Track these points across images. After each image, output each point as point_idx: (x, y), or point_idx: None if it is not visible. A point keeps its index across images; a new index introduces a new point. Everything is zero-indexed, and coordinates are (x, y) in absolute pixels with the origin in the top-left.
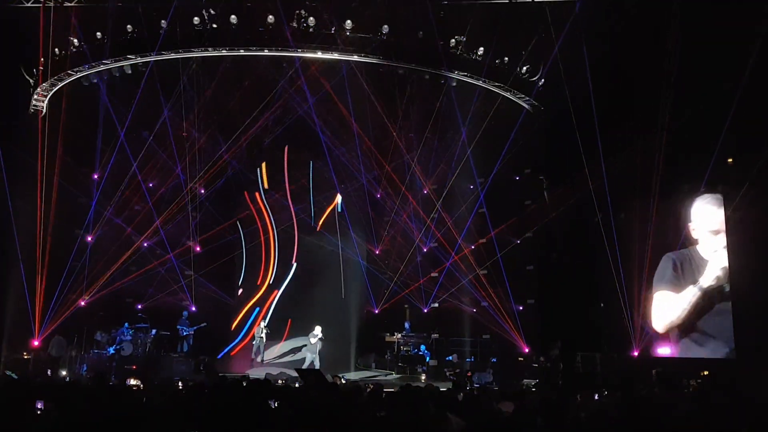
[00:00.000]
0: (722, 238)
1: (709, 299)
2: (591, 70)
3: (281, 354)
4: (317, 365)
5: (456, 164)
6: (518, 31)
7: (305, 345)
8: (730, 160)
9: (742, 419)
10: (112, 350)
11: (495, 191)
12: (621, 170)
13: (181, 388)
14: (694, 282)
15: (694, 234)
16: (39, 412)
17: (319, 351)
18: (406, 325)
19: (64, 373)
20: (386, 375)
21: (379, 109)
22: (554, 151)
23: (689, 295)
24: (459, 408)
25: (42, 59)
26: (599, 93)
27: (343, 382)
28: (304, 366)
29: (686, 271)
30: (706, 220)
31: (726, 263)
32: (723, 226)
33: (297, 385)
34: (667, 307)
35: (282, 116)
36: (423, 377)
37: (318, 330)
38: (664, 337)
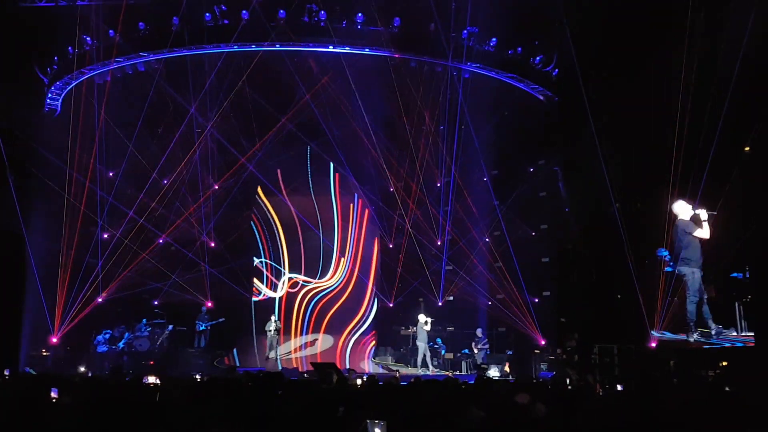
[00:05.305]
0: None
1: None
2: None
3: (294, 349)
4: (428, 354)
5: (469, 156)
6: (531, 20)
7: (316, 339)
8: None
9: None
10: (122, 345)
11: (509, 183)
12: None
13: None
14: None
15: None
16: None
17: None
18: None
19: (83, 369)
20: (403, 368)
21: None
22: (569, 141)
23: None
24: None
25: (56, 58)
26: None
27: (364, 378)
28: (419, 357)
29: None
30: None
31: None
32: None
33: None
34: None
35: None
36: (445, 372)
37: (423, 317)
38: None
